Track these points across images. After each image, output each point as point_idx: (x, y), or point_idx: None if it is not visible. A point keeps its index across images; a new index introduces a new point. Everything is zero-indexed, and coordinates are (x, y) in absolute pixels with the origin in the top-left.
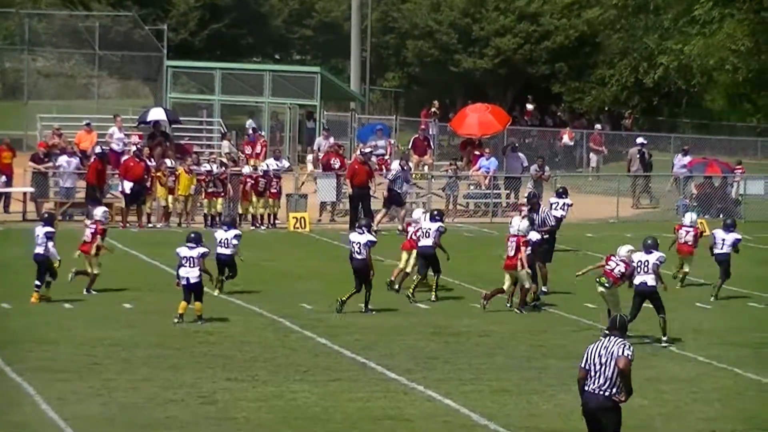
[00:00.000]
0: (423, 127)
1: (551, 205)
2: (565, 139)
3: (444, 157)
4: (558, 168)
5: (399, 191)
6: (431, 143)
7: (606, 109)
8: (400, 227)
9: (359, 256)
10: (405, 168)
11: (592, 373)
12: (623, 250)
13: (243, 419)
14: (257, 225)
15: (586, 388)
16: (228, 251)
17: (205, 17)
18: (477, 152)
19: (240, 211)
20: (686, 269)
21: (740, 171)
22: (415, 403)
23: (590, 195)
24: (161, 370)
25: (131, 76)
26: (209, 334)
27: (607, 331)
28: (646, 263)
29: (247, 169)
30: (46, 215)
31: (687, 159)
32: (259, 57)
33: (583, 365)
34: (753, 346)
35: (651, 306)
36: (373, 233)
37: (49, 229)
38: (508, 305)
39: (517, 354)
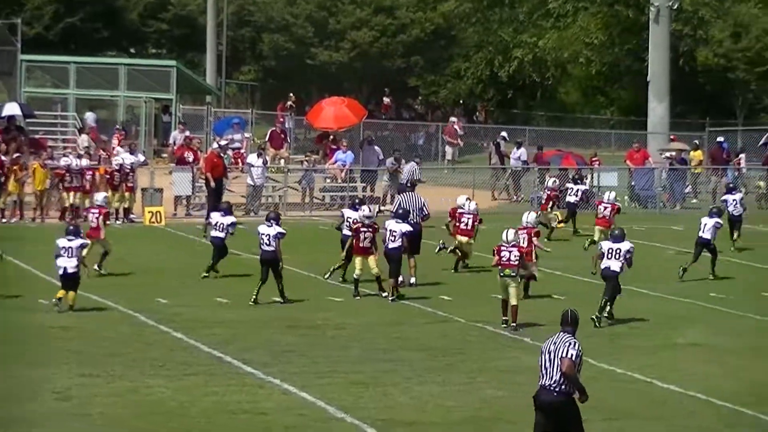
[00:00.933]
0: (280, 120)
1: (568, 189)
2: (456, 129)
3: (300, 150)
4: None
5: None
6: (288, 136)
7: (461, 102)
8: None
9: (268, 248)
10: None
11: (544, 370)
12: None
13: (98, 415)
14: (113, 219)
15: (540, 383)
16: (222, 234)
17: (60, 11)
18: (334, 146)
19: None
20: (596, 237)
21: (597, 163)
22: (271, 397)
23: (446, 187)
24: (16, 366)
25: None
26: (65, 329)
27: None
28: (618, 251)
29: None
30: None
31: (522, 151)
32: (114, 51)
33: (539, 362)
34: (607, 336)
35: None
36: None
37: None
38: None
39: (373, 346)
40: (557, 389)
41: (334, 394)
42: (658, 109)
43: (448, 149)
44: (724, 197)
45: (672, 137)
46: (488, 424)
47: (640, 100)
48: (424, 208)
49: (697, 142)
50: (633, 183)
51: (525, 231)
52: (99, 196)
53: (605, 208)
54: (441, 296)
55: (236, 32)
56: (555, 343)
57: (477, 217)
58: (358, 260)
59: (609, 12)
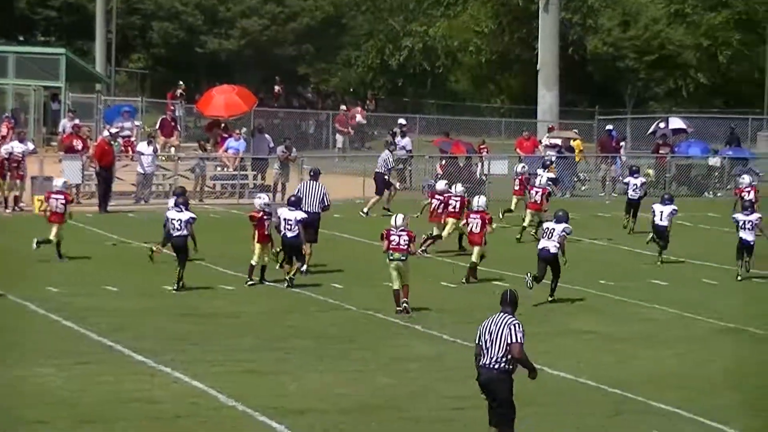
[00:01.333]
0: (170, 108)
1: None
2: (358, 117)
3: (191, 138)
4: (307, 149)
5: (388, 177)
6: (178, 125)
7: (352, 90)
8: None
9: (180, 233)
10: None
11: (485, 349)
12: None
13: None
14: (2, 208)
15: (481, 362)
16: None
17: None
18: (225, 134)
19: None
20: (526, 221)
21: (485, 150)
22: (162, 386)
23: (337, 176)
24: None
25: None
26: None
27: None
28: (552, 230)
29: None
30: None
31: (406, 140)
32: (3, 39)
33: (477, 342)
34: None
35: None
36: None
37: None
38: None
39: (265, 335)
40: (496, 366)
41: (226, 383)
42: (547, 98)
43: (339, 138)
44: (626, 179)
45: (550, 126)
46: (379, 411)
47: (529, 89)
48: (325, 199)
49: (576, 131)
50: None
51: (478, 216)
52: (59, 182)
53: (536, 192)
54: (332, 284)
55: (126, 20)
56: (496, 324)
57: (465, 200)
58: (258, 247)
59: (499, 0)
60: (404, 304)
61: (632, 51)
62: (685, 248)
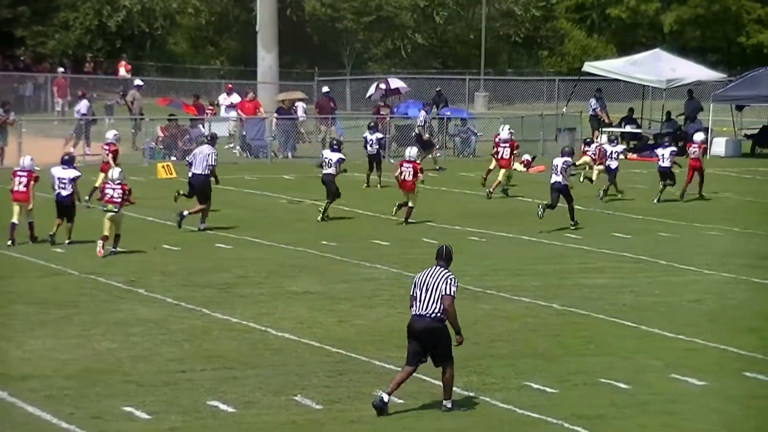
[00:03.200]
0: None
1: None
2: (122, 71)
3: None
4: (25, 112)
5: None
6: None
7: (70, 53)
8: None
9: None
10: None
11: (419, 301)
12: (116, 173)
13: None
14: None
15: (413, 312)
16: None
17: None
18: None
19: None
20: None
21: (211, 112)
22: None
23: (56, 139)
24: None
25: None
26: None
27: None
28: (556, 166)
29: None
30: None
31: (83, 104)
32: None
33: (411, 293)
34: (218, 286)
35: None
36: None
37: None
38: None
39: None
40: (432, 316)
41: None
42: (267, 59)
43: (59, 101)
44: (365, 135)
45: (228, 86)
46: (103, 376)
47: (249, 50)
48: (209, 159)
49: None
50: (244, 133)
51: (410, 165)
52: (110, 134)
53: (503, 149)
54: (54, 249)
55: None
56: (432, 276)
57: (513, 143)
58: (16, 209)
59: None
60: (111, 250)
61: (350, 12)
62: None
